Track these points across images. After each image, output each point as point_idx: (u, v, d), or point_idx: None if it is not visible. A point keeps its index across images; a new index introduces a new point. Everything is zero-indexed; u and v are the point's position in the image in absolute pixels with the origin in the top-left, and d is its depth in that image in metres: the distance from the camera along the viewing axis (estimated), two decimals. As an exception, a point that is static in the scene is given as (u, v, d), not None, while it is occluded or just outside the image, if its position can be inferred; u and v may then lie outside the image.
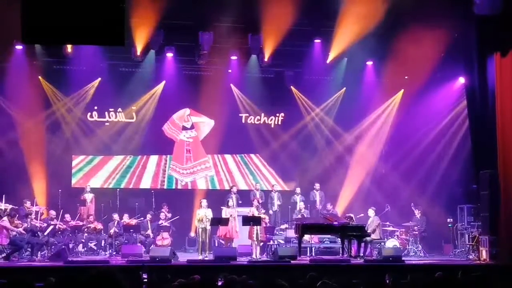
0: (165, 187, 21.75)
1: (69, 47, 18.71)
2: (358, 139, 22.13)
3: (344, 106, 21.70)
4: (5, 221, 16.41)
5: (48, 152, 20.34)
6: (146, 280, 10.41)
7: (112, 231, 18.29)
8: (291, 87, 21.82)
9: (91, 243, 18.64)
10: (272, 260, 16.59)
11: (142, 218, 18.91)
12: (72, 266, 14.24)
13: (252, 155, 22.27)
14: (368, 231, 17.52)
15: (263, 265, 15.65)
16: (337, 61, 20.32)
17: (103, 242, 18.71)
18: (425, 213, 19.84)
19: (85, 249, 18.48)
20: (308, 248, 18.27)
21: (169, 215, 19.14)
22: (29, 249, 16.64)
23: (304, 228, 16.90)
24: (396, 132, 21.72)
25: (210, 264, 15.11)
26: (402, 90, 21.64)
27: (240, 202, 19.60)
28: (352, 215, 18.23)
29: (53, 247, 17.04)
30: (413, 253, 18.76)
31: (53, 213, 18.02)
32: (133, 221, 18.75)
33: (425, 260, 17.55)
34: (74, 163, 21.17)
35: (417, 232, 19.29)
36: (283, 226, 19.31)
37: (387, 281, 9.10)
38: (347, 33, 18.50)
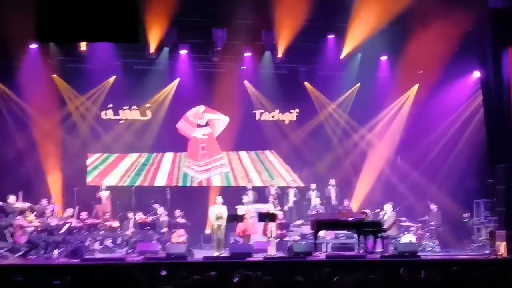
0: (180, 184, 21.74)
1: (83, 45, 18.77)
2: (374, 134, 22.06)
3: (359, 101, 21.63)
4: (20, 219, 16.47)
5: (63, 150, 20.40)
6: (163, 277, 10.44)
7: (128, 232, 18.35)
8: (305, 83, 21.77)
9: (107, 240, 18.70)
10: (288, 256, 16.57)
11: (157, 215, 18.91)
12: (89, 264, 14.31)
13: (267, 152, 22.22)
14: (384, 227, 17.47)
15: (279, 261, 15.64)
16: (351, 56, 20.28)
17: (119, 239, 18.76)
18: (441, 208, 19.75)
19: (101, 246, 18.53)
20: (323, 244, 18.24)
21: (183, 220, 18.87)
22: (43, 248, 16.68)
23: (319, 224, 16.85)
24: (411, 127, 21.65)
25: (226, 261, 15.13)
26: (417, 85, 21.54)
27: (257, 198, 19.66)
28: (367, 211, 18.15)
29: (69, 245, 17.08)
30: (429, 248, 18.64)
31: (69, 211, 18.06)
32: (148, 218, 18.78)
33: (441, 255, 17.51)
34: (89, 161, 21.23)
35: (433, 227, 19.21)
36: (298, 222, 19.33)
37: (404, 277, 9.06)
38: (360, 28, 18.46)
